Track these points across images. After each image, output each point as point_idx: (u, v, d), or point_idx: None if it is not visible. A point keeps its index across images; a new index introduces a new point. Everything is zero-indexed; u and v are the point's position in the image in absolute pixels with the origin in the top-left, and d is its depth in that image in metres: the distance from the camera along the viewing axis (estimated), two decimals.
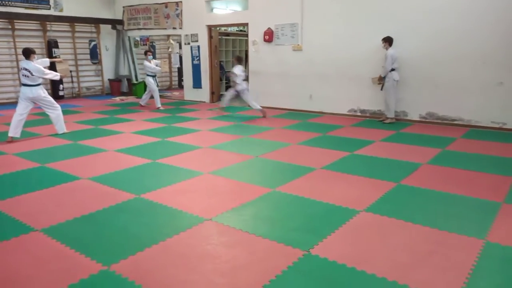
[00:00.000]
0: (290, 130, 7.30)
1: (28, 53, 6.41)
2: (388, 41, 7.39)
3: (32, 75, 6.33)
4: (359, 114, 8.58)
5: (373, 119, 8.18)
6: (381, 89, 7.68)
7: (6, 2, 10.33)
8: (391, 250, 2.86)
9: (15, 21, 10.52)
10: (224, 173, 4.70)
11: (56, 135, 6.77)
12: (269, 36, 9.51)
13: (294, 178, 4.48)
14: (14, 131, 6.34)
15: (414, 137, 6.56)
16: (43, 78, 6.62)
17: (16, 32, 10.65)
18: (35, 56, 6.55)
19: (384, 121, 7.72)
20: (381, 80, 7.59)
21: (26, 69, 6.32)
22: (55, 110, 6.77)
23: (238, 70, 8.38)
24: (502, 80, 6.84)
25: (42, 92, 6.58)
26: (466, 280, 2.47)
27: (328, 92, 8.90)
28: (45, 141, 6.42)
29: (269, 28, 9.51)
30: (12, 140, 6.34)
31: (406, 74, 7.64)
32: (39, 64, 6.51)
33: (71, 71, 11.76)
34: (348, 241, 3.01)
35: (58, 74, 6.90)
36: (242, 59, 9.39)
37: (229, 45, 12.80)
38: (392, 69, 7.39)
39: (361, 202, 3.72)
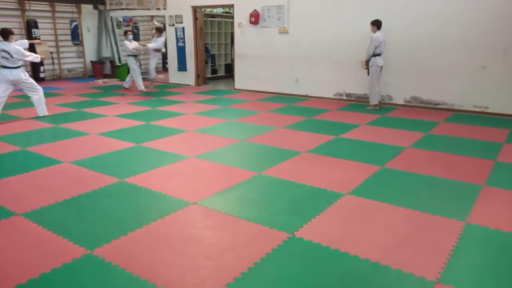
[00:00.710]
0: (276, 113, 7.28)
1: (6, 34, 6.18)
2: (376, 24, 7.23)
3: (12, 57, 6.12)
4: (344, 98, 8.59)
5: (359, 103, 8.21)
6: (368, 74, 7.54)
7: None
8: (374, 232, 2.90)
9: None
10: (210, 156, 4.67)
11: (37, 118, 6.61)
12: (255, 18, 9.38)
13: (279, 161, 4.48)
14: None
15: (398, 121, 6.62)
16: (24, 60, 6.42)
17: None
18: (14, 37, 6.33)
19: (367, 107, 7.66)
20: (367, 64, 7.51)
21: (5, 51, 6.10)
22: (37, 92, 6.60)
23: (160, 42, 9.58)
24: (485, 64, 6.92)
25: (23, 75, 6.39)
26: (446, 261, 2.52)
27: (314, 76, 8.88)
28: (26, 124, 6.26)
29: (255, 10, 9.37)
30: None
31: (391, 58, 7.64)
32: (18, 45, 6.29)
33: (51, 53, 11.40)
34: (332, 223, 3.04)
35: (39, 56, 6.67)
36: (162, 30, 10.22)
37: (215, 27, 12.59)
38: (378, 54, 7.28)
39: (346, 185, 3.76)
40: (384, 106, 7.84)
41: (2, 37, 6.20)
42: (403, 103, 7.89)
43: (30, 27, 10.67)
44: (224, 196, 3.53)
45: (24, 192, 3.60)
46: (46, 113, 6.75)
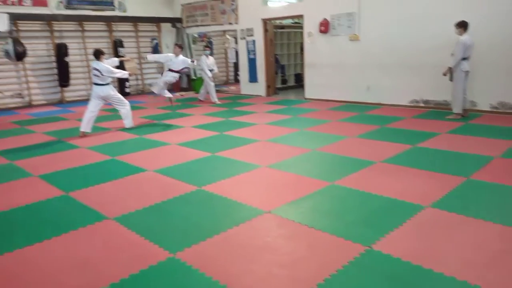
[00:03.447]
0: (347, 122, 7.13)
1: (98, 54, 6.81)
2: (463, 26, 6.61)
3: (102, 75, 6.75)
4: (421, 105, 8.16)
5: (438, 110, 7.73)
6: (450, 80, 6.92)
7: (76, 6, 11.13)
8: (461, 248, 2.71)
9: (84, 23, 11.30)
10: (281, 166, 4.71)
11: (124, 129, 7.20)
12: (324, 27, 9.33)
13: (352, 171, 4.39)
14: (85, 126, 6.82)
15: (484, 129, 6.11)
16: (112, 78, 7.02)
17: (86, 34, 11.43)
18: (105, 56, 6.98)
19: (448, 116, 7.07)
20: (450, 70, 6.83)
21: (96, 69, 6.74)
22: (124, 106, 7.19)
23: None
24: None
25: (112, 91, 6.99)
26: None
27: (387, 83, 8.56)
28: (114, 135, 6.85)
29: (324, 18, 9.32)
30: (85, 135, 6.84)
31: (475, 61, 7.05)
32: (109, 64, 6.92)
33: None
34: (413, 237, 2.90)
35: (127, 72, 7.24)
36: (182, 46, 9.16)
37: (284, 38, 12.75)
38: (464, 58, 6.64)
39: (426, 198, 3.56)
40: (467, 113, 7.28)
41: (95, 57, 6.86)
42: (489, 109, 7.27)
43: (116, 46, 11.71)
44: (297, 206, 3.54)
45: (114, 197, 3.95)
46: (133, 125, 7.32)
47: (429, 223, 3.11)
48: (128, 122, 7.29)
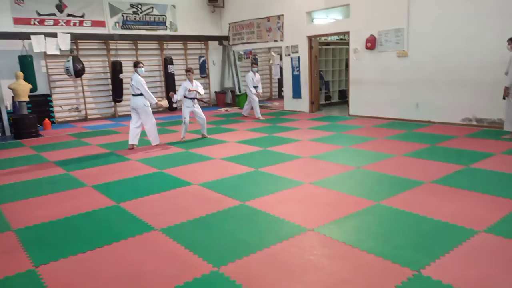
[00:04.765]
0: (394, 140, 6.94)
1: (134, 65, 7.11)
2: None
3: (132, 85, 6.97)
4: (474, 123, 7.78)
5: (493, 129, 7.33)
6: (503, 98, 6.60)
7: (132, 26, 11.82)
8: None
9: (138, 42, 11.95)
10: (325, 183, 4.67)
11: (171, 143, 7.45)
12: (371, 43, 9.22)
13: (399, 191, 4.26)
14: (132, 139, 7.11)
15: None
16: (141, 91, 6.92)
17: (139, 52, 12.07)
18: (139, 68, 7.01)
19: (503, 136, 6.68)
20: (506, 89, 6.46)
21: (131, 79, 7.01)
22: (148, 122, 7.15)
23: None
24: None
25: (142, 103, 7.01)
26: None
27: (438, 100, 8.26)
28: (162, 148, 7.11)
29: (371, 35, 9.22)
30: (133, 147, 7.14)
31: None
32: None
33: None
34: (466, 263, 2.75)
35: (155, 99, 7.13)
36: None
37: (329, 55, 12.73)
38: None
39: (480, 222, 3.37)
40: None
41: (134, 67, 7.13)
42: None
43: (166, 63, 12.25)
44: (341, 225, 3.49)
45: (161, 209, 4.09)
46: (158, 142, 7.31)
47: (482, 249, 2.94)
48: (152, 139, 7.28)
